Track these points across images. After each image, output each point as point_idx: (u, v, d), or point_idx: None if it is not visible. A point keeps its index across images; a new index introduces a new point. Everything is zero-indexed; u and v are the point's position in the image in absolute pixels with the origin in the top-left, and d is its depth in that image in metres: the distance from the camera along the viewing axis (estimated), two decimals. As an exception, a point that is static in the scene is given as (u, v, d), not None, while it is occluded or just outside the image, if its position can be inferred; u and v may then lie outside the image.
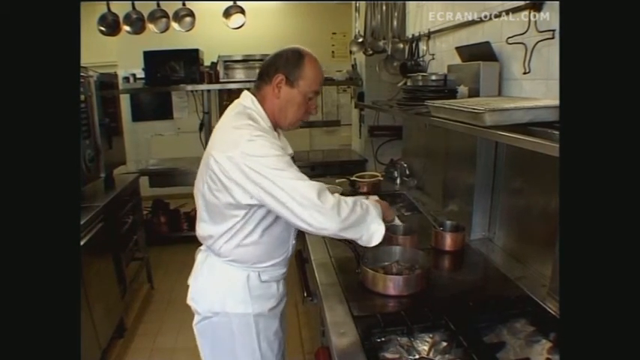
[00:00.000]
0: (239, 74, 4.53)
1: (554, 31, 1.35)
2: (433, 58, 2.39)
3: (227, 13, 4.28)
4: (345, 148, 5.58)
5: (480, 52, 1.72)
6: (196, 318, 1.54)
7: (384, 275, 1.53)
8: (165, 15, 4.16)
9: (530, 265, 1.68)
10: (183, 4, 4.20)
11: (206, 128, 4.49)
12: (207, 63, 4.53)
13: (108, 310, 2.66)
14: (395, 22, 2.92)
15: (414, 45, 2.58)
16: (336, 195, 1.32)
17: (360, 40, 3.66)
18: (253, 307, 1.47)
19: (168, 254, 4.29)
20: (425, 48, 2.44)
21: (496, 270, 1.71)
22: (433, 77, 1.85)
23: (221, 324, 1.49)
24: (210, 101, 4.67)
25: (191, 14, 4.20)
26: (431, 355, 1.22)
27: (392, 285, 1.49)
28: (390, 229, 1.59)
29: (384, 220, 1.45)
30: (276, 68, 1.43)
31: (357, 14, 3.88)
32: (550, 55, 1.41)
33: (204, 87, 4.41)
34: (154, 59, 4.24)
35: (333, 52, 5.87)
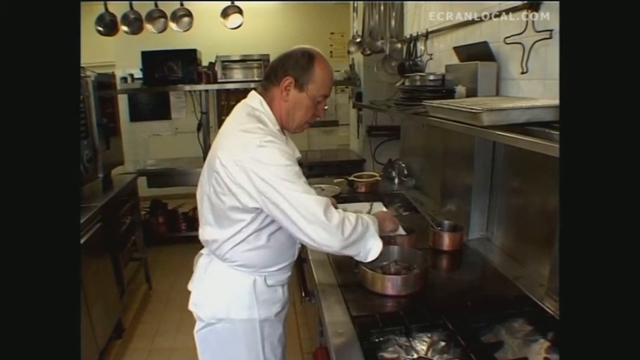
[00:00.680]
0: (237, 74, 4.52)
1: (551, 31, 1.36)
2: (431, 58, 2.40)
3: (225, 13, 4.29)
4: (343, 148, 5.59)
5: (478, 52, 1.72)
6: (198, 325, 1.50)
7: (383, 275, 1.53)
8: (163, 15, 4.17)
9: (528, 264, 1.68)
10: (181, 4, 4.20)
11: (204, 128, 4.48)
12: (205, 63, 4.52)
13: (106, 311, 2.66)
14: (393, 22, 2.93)
15: (411, 45, 2.59)
16: (340, 211, 1.31)
17: (358, 40, 3.67)
18: (259, 312, 1.44)
19: (167, 254, 4.29)
20: (423, 48, 2.45)
21: (494, 270, 1.71)
22: (431, 77, 1.85)
23: (225, 330, 1.45)
24: (208, 101, 4.66)
25: (189, 14, 4.20)
26: (429, 354, 1.22)
27: (390, 285, 1.49)
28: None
29: (384, 232, 1.45)
30: (284, 70, 1.38)
31: (355, 14, 3.88)
32: (547, 55, 1.41)
33: (202, 87, 4.40)
34: (151, 59, 4.23)
35: (331, 52, 5.87)
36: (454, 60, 1.94)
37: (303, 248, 2.00)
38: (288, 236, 1.43)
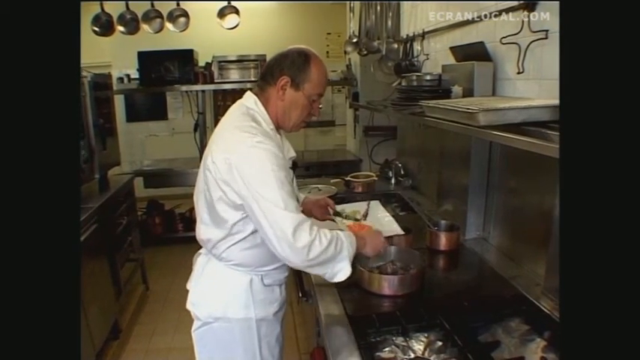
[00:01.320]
0: (233, 74, 4.51)
1: (547, 31, 1.36)
2: (427, 58, 2.40)
3: (221, 14, 4.28)
4: (340, 148, 5.59)
5: (474, 52, 1.72)
6: (196, 324, 1.52)
7: (379, 275, 1.53)
8: (160, 15, 4.16)
9: (525, 264, 1.69)
10: (178, 5, 4.20)
11: (201, 129, 4.47)
12: (201, 63, 4.52)
13: (103, 312, 2.65)
14: (389, 22, 2.93)
15: (408, 45, 2.59)
16: (314, 231, 1.29)
17: (355, 40, 3.67)
18: (255, 311, 1.45)
19: (163, 255, 4.28)
20: (419, 48, 2.45)
21: (491, 269, 1.72)
22: (427, 77, 1.85)
23: (222, 329, 1.47)
24: (205, 102, 4.66)
25: (185, 14, 4.20)
26: (426, 354, 1.23)
27: (387, 285, 1.49)
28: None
29: (366, 254, 1.48)
30: (281, 70, 1.39)
31: (351, 14, 3.89)
32: (543, 55, 1.41)
33: (199, 87, 4.40)
34: (148, 60, 4.22)
35: (327, 52, 5.87)
36: (450, 60, 1.94)
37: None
38: None
